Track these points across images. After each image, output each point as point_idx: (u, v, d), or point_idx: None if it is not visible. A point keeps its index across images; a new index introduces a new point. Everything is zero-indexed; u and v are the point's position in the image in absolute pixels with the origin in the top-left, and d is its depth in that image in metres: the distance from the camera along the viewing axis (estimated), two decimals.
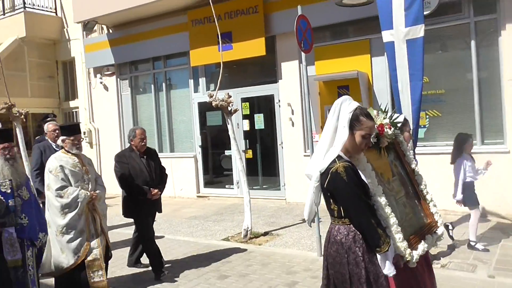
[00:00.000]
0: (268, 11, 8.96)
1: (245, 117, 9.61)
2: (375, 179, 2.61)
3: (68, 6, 12.14)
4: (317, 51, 8.37)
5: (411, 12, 4.94)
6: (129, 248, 5.71)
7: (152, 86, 11.18)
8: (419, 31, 4.90)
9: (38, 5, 12.83)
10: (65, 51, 12.86)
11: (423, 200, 3.07)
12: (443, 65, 7.57)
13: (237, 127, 9.36)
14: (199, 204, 9.71)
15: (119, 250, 6.11)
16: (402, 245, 2.52)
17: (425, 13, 5.43)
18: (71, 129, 4.52)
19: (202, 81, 10.33)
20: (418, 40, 4.90)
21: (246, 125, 9.60)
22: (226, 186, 10.10)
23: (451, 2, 7.22)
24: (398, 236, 2.52)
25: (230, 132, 6.76)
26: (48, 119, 6.62)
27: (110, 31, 11.55)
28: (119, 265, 5.62)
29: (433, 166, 6.96)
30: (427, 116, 7.63)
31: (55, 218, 4.25)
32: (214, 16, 7.10)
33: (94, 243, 4.39)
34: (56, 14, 12.97)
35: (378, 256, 2.41)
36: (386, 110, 3.03)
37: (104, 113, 11.87)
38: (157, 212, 5.45)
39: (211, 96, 6.70)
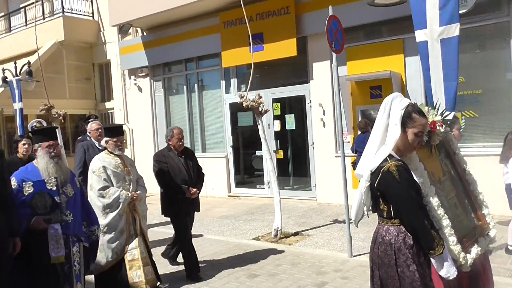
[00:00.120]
0: (300, 12, 8.96)
1: (276, 117, 9.63)
2: (427, 179, 2.52)
3: (104, 10, 12.51)
4: (349, 51, 8.32)
5: (446, 10, 4.83)
6: (161, 247, 5.81)
7: (185, 87, 11.36)
8: (454, 30, 4.79)
9: (76, 10, 13.27)
10: (101, 54, 13.25)
11: (475, 201, 2.95)
12: (480, 64, 7.36)
13: (268, 127, 9.40)
14: (230, 203, 9.80)
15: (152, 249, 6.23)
16: (456, 248, 2.43)
17: (461, 11, 5.30)
18: (114, 131, 4.64)
19: (233, 82, 10.42)
20: (453, 39, 4.78)
21: (277, 125, 9.62)
22: (257, 186, 10.15)
23: (489, 0, 7.01)
24: (451, 239, 2.42)
25: (261, 133, 6.79)
26: (91, 120, 6.83)
27: (144, 33, 11.82)
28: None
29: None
30: (463, 117, 7.44)
31: None
32: (246, 18, 7.16)
33: (133, 243, 4.49)
34: (93, 18, 13.38)
35: (433, 259, 2.31)
36: (438, 106, 2.93)
37: (138, 114, 12.15)
38: (195, 212, 5.43)
39: (242, 97, 6.76)
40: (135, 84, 12.14)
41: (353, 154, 8.06)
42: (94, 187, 4.45)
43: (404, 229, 2.36)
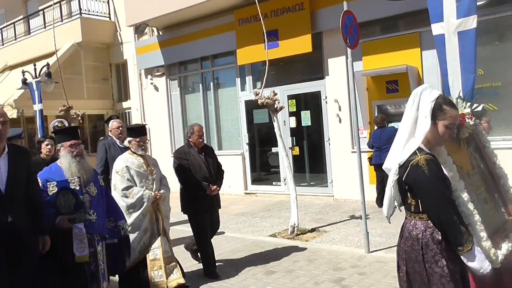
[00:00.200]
0: (314, 8, 8.92)
1: (291, 114, 9.62)
2: (457, 173, 2.46)
3: (120, 10, 12.65)
4: (365, 46, 8.26)
5: (463, 3, 4.74)
6: (180, 245, 5.86)
7: (200, 85, 11.43)
8: (472, 22, 4.69)
9: (93, 11, 13.45)
10: (118, 54, 13.41)
11: (505, 195, 2.87)
12: (499, 57, 7.22)
13: (283, 124, 9.39)
14: (247, 201, 9.84)
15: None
16: (486, 244, 2.36)
17: (479, 3, 5.21)
18: (137, 131, 4.67)
19: (248, 79, 10.44)
20: (470, 32, 4.69)
21: (292, 122, 9.61)
22: (274, 183, 10.16)
23: None
24: (482, 234, 2.37)
25: (276, 130, 6.80)
26: (112, 120, 6.91)
27: (160, 33, 11.92)
28: None
29: None
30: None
31: None
32: (260, 15, 7.16)
33: (156, 243, 4.51)
34: (110, 19, 13.54)
35: (462, 256, 2.25)
36: (466, 98, 2.86)
37: (155, 113, 12.27)
38: (219, 208, 5.38)
39: (257, 94, 6.77)
40: (152, 83, 12.26)
41: (370, 150, 8.01)
42: (117, 187, 4.48)
43: (431, 224, 2.31)
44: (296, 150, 9.61)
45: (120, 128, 6.02)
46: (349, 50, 5.76)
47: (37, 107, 9.39)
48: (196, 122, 5.73)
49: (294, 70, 9.96)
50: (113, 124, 6.10)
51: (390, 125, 8.03)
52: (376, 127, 7.91)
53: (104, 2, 13.55)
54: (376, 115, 8.08)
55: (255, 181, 10.53)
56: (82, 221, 3.57)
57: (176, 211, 5.53)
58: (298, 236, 6.50)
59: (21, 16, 16.33)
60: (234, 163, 10.47)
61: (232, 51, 10.37)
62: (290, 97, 9.63)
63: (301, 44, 9.00)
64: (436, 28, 5.01)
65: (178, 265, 4.69)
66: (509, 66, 7.12)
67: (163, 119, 12.08)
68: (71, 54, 12.92)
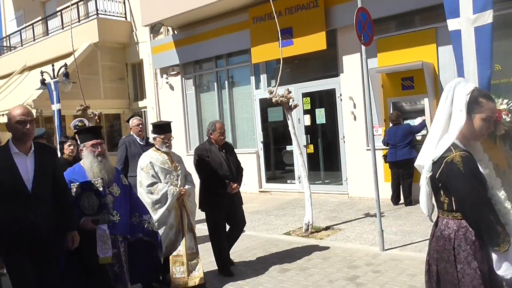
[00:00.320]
0: (329, 5, 8.88)
1: (306, 112, 9.60)
2: (493, 171, 2.37)
3: (136, 10, 12.79)
4: (379, 43, 8.19)
5: None
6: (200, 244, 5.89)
7: (215, 84, 11.48)
8: (488, 17, 4.62)
9: (109, 11, 13.60)
10: (134, 54, 13.55)
11: None
12: None
13: (298, 122, 9.38)
14: (261, 199, 9.85)
15: None
16: None
17: None
18: (162, 128, 4.70)
19: (263, 77, 10.45)
20: (486, 27, 4.62)
21: (307, 120, 9.59)
22: (288, 181, 10.16)
23: None
24: None
25: (290, 128, 6.79)
26: (133, 118, 6.99)
27: (175, 32, 12.01)
28: None
29: None
30: None
31: None
32: (274, 13, 7.16)
33: (180, 239, 4.53)
34: (126, 19, 13.68)
35: (494, 256, 2.17)
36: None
37: (170, 112, 12.37)
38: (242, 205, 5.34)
39: (271, 93, 6.77)
40: (167, 82, 12.36)
41: (385, 147, 7.95)
42: (143, 184, 4.51)
43: (465, 223, 2.23)
44: (311, 148, 9.59)
45: (140, 126, 6.10)
46: (363, 47, 5.72)
47: (55, 107, 9.54)
48: (218, 119, 5.67)
49: (309, 67, 9.93)
50: (133, 121, 6.18)
51: (406, 122, 7.96)
52: (391, 124, 7.84)
53: (120, 2, 13.70)
54: (391, 112, 8.01)
55: (269, 179, 10.54)
56: (105, 222, 3.57)
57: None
58: (312, 234, 6.49)
59: (39, 17, 16.61)
60: (248, 161, 10.49)
61: (246, 50, 10.39)
62: (305, 95, 9.61)
63: (315, 42, 8.97)
64: (452, 24, 4.94)
65: (200, 263, 4.68)
66: None
67: (179, 118, 12.16)
68: (88, 54, 13.09)
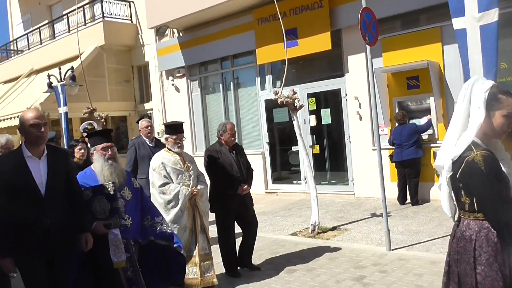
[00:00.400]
0: (333, 5, 8.88)
1: (311, 112, 9.60)
2: None
3: (142, 13, 12.85)
4: (384, 42, 8.18)
5: None
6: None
7: (221, 85, 11.51)
8: (493, 15, 4.62)
9: (115, 14, 13.68)
10: (139, 56, 13.62)
11: None
12: None
13: (303, 122, 9.38)
14: (268, 200, 9.86)
15: None
16: None
17: None
18: (174, 128, 4.67)
19: (268, 78, 10.46)
20: (492, 26, 4.62)
21: (312, 120, 9.58)
22: (294, 182, 10.16)
23: None
24: None
25: (296, 128, 6.80)
26: (142, 119, 7.02)
27: (180, 34, 12.06)
28: None
29: None
30: None
31: None
32: (279, 14, 7.17)
33: (193, 239, 4.51)
34: (131, 22, 13.76)
35: None
36: None
37: (176, 113, 12.41)
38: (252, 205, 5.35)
39: (276, 93, 6.78)
40: (173, 84, 12.41)
41: (391, 147, 7.94)
42: (155, 184, 4.50)
43: (487, 224, 2.17)
44: (317, 149, 9.59)
45: (149, 127, 6.13)
46: (368, 47, 5.72)
47: (62, 110, 9.62)
48: (229, 121, 5.65)
49: (314, 68, 9.93)
50: (142, 123, 6.21)
51: (411, 121, 7.94)
52: (397, 124, 7.83)
53: (125, 5, 13.78)
54: (397, 111, 8.00)
55: (275, 180, 10.54)
56: (117, 227, 3.54)
57: None
58: (319, 234, 6.49)
59: (46, 21, 16.74)
60: (254, 162, 10.43)
61: (251, 51, 10.41)
62: (310, 95, 9.61)
63: (320, 42, 8.97)
64: (457, 22, 4.94)
65: (213, 264, 4.68)
66: None
67: (184, 119, 12.17)
68: (94, 57, 13.17)
